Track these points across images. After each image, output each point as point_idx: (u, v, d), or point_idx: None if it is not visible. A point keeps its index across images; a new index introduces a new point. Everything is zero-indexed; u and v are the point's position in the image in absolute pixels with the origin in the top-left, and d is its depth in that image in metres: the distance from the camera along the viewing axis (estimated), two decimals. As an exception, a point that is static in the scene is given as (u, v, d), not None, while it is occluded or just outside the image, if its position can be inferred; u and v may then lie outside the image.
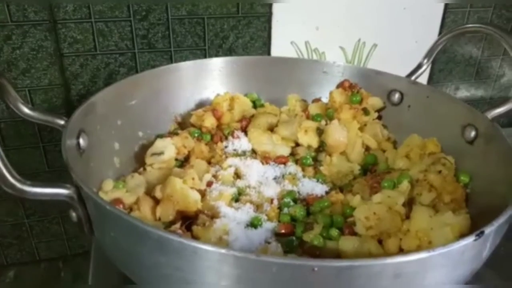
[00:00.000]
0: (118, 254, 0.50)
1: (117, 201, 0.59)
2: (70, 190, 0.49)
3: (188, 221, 0.59)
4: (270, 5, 0.93)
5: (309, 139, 0.73)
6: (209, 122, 0.78)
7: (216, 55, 0.95)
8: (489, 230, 0.43)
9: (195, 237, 0.56)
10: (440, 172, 0.60)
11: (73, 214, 0.51)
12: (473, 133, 0.65)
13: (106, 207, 0.44)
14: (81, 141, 0.60)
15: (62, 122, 0.60)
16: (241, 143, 0.76)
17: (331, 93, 0.80)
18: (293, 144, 0.76)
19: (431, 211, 0.54)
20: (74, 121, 0.59)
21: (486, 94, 1.22)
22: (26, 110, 0.60)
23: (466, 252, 0.43)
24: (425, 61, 0.78)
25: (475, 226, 0.52)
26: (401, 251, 0.54)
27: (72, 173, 0.49)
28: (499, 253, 0.70)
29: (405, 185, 0.59)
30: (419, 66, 0.79)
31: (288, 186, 0.67)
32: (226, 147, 0.76)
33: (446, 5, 1.04)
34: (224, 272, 0.40)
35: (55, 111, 0.90)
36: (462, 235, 0.51)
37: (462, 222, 0.52)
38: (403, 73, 0.81)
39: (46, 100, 0.90)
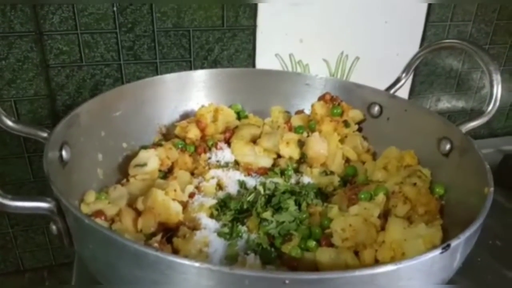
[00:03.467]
0: (97, 266, 0.51)
1: (99, 213, 0.59)
2: (50, 204, 0.50)
3: (169, 233, 0.60)
4: (254, 18, 0.95)
5: (290, 151, 0.75)
6: (193, 133, 0.78)
7: (202, 67, 0.96)
8: (455, 242, 0.44)
9: (175, 249, 0.57)
10: (415, 184, 0.62)
11: (53, 227, 0.51)
12: (448, 146, 0.67)
13: (84, 220, 0.45)
14: (64, 153, 0.60)
15: (45, 135, 0.61)
16: (224, 154, 0.77)
17: (313, 105, 0.81)
18: (275, 156, 0.77)
19: (405, 223, 0.56)
20: (57, 133, 0.60)
21: (466, 105, 1.25)
22: (9, 122, 0.61)
23: (435, 264, 0.45)
24: (404, 75, 0.80)
25: (450, 237, 0.53)
26: (377, 262, 0.55)
27: (52, 186, 0.49)
28: (475, 263, 0.72)
29: (381, 197, 0.60)
30: (398, 80, 0.81)
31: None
32: (209, 158, 0.77)
33: (427, 19, 1.07)
34: (200, 285, 0.41)
35: (40, 121, 0.90)
36: (434, 247, 0.52)
37: (434, 233, 0.53)
38: (385, 85, 0.83)
39: (31, 110, 0.90)
